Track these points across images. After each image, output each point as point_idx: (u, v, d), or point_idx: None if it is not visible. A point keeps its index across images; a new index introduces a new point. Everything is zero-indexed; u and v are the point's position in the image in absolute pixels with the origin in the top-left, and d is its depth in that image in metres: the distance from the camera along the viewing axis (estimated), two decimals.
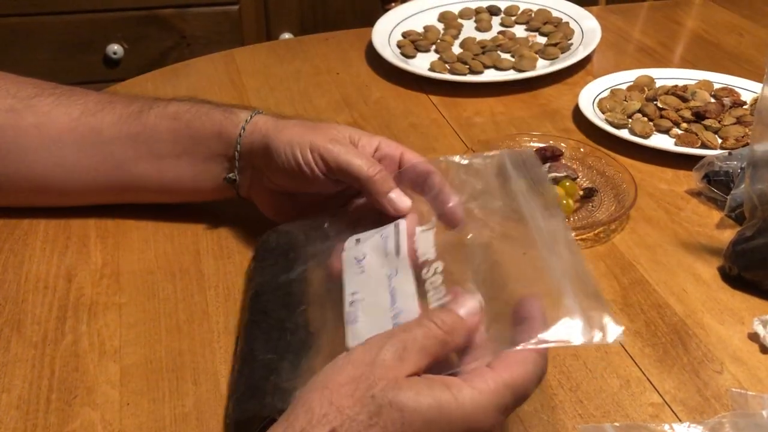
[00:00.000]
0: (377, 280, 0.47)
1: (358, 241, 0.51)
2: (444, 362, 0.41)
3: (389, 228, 0.50)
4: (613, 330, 0.40)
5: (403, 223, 0.50)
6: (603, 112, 0.79)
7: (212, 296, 0.56)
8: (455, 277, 0.45)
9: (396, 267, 0.47)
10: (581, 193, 0.67)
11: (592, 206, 0.67)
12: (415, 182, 0.53)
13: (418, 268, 0.47)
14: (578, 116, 0.80)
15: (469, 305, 0.42)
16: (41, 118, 0.60)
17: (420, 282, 0.46)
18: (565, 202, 0.64)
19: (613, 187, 0.68)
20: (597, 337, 0.39)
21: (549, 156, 0.70)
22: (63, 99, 0.61)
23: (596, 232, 0.64)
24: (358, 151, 0.54)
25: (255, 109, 0.60)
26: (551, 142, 0.73)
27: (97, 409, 0.48)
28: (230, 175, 0.59)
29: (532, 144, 0.73)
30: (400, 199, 0.52)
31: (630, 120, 0.78)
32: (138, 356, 0.52)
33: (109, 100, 0.61)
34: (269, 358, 0.47)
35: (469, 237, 0.49)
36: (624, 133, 0.75)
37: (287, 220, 0.58)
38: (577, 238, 0.63)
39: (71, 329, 0.54)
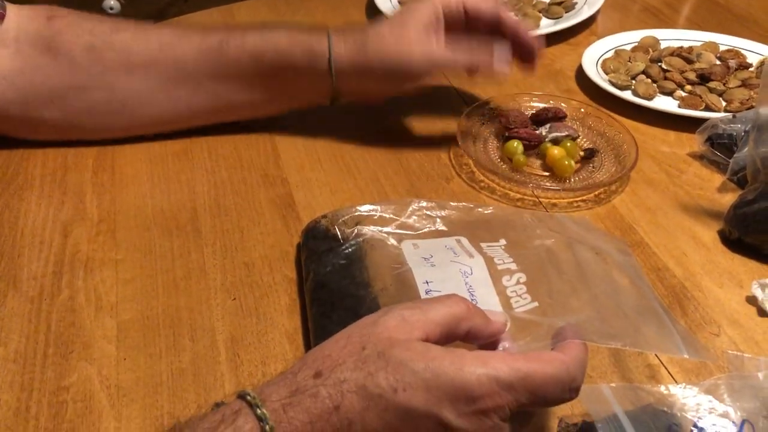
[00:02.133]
0: (451, 275, 0.47)
1: (415, 245, 0.51)
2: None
3: (450, 240, 0.51)
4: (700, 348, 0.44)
5: (465, 240, 0.51)
6: (606, 73, 0.78)
7: (209, 253, 0.56)
8: (536, 290, 0.46)
9: (470, 266, 0.48)
10: (582, 153, 0.67)
11: (593, 167, 0.66)
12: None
13: (496, 274, 0.47)
14: (581, 77, 0.79)
15: (498, 316, 0.41)
16: (122, 55, 0.62)
17: (499, 289, 0.46)
18: (566, 162, 0.64)
19: (614, 148, 0.68)
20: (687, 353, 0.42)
21: (551, 116, 0.69)
22: (139, 34, 0.63)
23: (596, 193, 0.64)
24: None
25: (327, 34, 0.63)
26: (552, 102, 0.72)
27: (94, 364, 0.48)
28: (333, 101, 0.64)
29: (533, 104, 0.72)
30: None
31: (634, 81, 0.77)
32: (134, 312, 0.52)
33: (183, 33, 0.64)
34: None
35: (538, 250, 0.50)
36: (627, 95, 0.74)
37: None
38: (577, 199, 0.63)
39: (68, 284, 0.53)
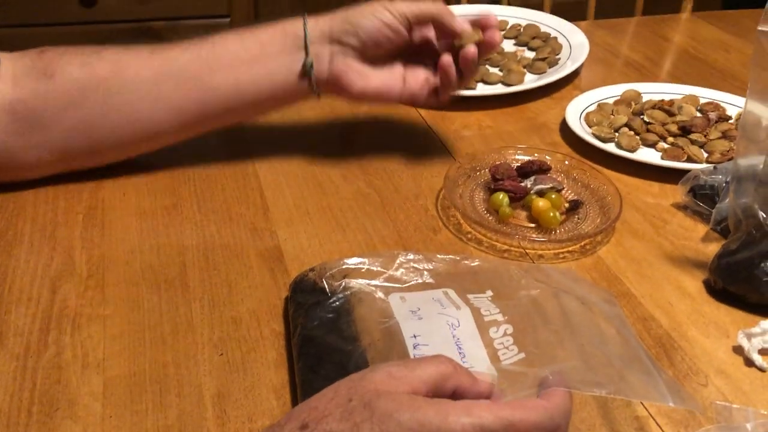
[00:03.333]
0: (438, 328, 0.48)
1: (403, 298, 0.51)
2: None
3: (437, 292, 0.52)
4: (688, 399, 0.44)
5: (452, 291, 0.51)
6: (590, 126, 0.79)
7: (197, 308, 0.56)
8: (523, 341, 0.46)
9: (457, 318, 0.49)
10: (567, 205, 0.67)
11: (578, 218, 0.67)
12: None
13: (483, 325, 0.48)
14: (565, 130, 0.80)
15: (483, 376, 0.41)
16: (114, 65, 0.66)
17: (487, 341, 0.47)
18: (552, 214, 0.65)
19: (599, 199, 0.69)
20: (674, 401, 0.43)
21: (536, 169, 0.70)
22: (128, 48, 0.67)
23: (582, 244, 0.64)
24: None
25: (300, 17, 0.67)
26: (537, 154, 0.74)
27: (79, 422, 0.47)
28: (308, 59, 0.66)
29: (518, 156, 0.74)
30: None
31: (617, 134, 0.78)
32: (121, 368, 0.51)
33: (169, 45, 0.67)
34: None
35: (524, 300, 0.51)
36: (611, 147, 0.76)
37: (368, 94, 0.69)
38: (563, 250, 0.64)
39: (54, 341, 0.53)
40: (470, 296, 0.51)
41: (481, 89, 0.88)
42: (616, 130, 0.79)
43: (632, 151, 0.76)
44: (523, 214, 0.67)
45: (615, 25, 1.11)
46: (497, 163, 0.71)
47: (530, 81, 0.90)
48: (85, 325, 0.55)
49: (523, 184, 0.68)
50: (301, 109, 0.85)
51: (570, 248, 0.64)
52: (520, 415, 0.36)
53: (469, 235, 0.65)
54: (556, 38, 0.99)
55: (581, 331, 0.48)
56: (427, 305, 0.50)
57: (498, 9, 1.06)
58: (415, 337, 0.47)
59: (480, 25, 0.67)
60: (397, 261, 0.55)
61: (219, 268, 0.60)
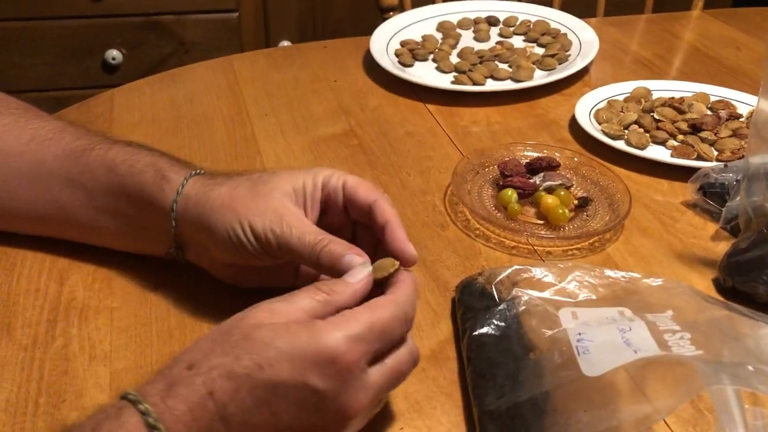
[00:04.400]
0: (607, 331, 0.47)
1: (574, 314, 0.51)
2: None
3: (611, 311, 0.51)
4: None
5: (628, 311, 0.50)
6: (599, 123, 0.79)
7: (204, 301, 0.56)
8: (704, 343, 0.45)
9: (629, 326, 0.48)
10: (576, 202, 0.67)
11: (587, 216, 0.66)
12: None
13: (657, 333, 0.47)
14: (575, 127, 0.80)
15: (357, 271, 0.45)
16: None
17: (662, 344, 0.45)
18: (560, 210, 0.64)
19: (608, 197, 0.68)
20: None
21: (545, 166, 0.70)
22: (20, 122, 0.59)
23: (591, 241, 0.64)
24: (300, 221, 0.49)
25: (189, 172, 0.53)
26: (545, 151, 0.73)
27: (86, 414, 0.47)
28: (171, 250, 0.55)
29: (527, 153, 0.73)
30: (352, 260, 0.46)
31: (626, 131, 0.78)
32: (128, 361, 0.51)
33: (62, 128, 0.59)
34: (504, 410, 0.45)
35: (712, 321, 0.49)
36: (620, 144, 0.75)
37: (249, 285, 0.54)
38: (572, 247, 0.63)
39: (62, 332, 0.53)
40: (648, 315, 0.49)
41: (490, 85, 0.88)
42: (626, 128, 0.78)
43: (642, 148, 0.75)
44: (532, 210, 0.67)
45: (625, 22, 1.10)
46: (506, 159, 0.71)
47: (539, 77, 0.89)
48: (93, 317, 0.55)
49: (532, 181, 0.68)
50: (309, 103, 0.85)
51: (579, 245, 0.64)
52: (378, 314, 0.41)
53: (477, 232, 0.65)
54: (565, 35, 0.98)
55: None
56: (599, 321, 0.49)
57: (508, 5, 1.06)
58: (579, 335, 0.47)
59: (400, 254, 0.48)
60: (572, 274, 0.54)
61: None
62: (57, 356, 0.51)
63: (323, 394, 0.39)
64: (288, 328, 0.39)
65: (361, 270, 0.45)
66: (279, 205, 0.50)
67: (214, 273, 0.56)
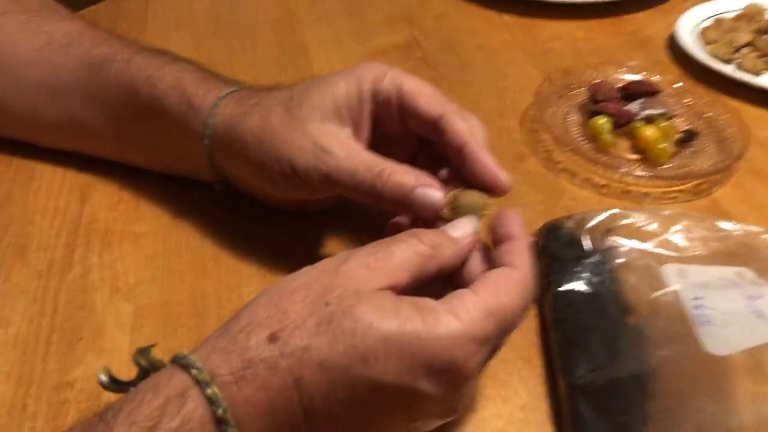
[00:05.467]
0: (731, 298, 0.40)
1: (682, 272, 0.43)
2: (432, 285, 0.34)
3: (727, 269, 0.43)
4: None
5: (749, 272, 0.42)
6: (705, 45, 0.68)
7: (245, 232, 0.49)
8: None
9: (759, 292, 0.40)
10: (678, 135, 0.57)
11: (691, 152, 0.56)
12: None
13: None
14: (674, 48, 0.69)
15: (463, 225, 0.36)
16: (4, 43, 0.51)
17: None
18: (662, 145, 0.54)
19: (716, 131, 0.58)
20: None
21: (644, 91, 0.59)
22: (33, 23, 0.51)
23: (695, 183, 0.54)
24: (350, 150, 0.40)
25: (217, 94, 0.44)
26: (643, 74, 0.63)
27: (103, 355, 0.41)
28: (216, 184, 0.47)
29: (620, 76, 0.63)
30: (426, 195, 0.38)
31: (737, 54, 0.66)
32: (154, 296, 0.44)
33: (80, 32, 0.51)
34: (599, 387, 0.37)
35: None
36: (730, 70, 0.64)
37: (318, 209, 0.48)
38: (673, 189, 0.54)
39: (80, 259, 0.46)
40: None
41: None
42: (737, 50, 0.67)
43: (757, 74, 0.64)
44: (626, 143, 0.57)
45: None
46: (597, 81, 0.61)
47: None
48: (117, 243, 0.48)
49: (628, 108, 0.58)
50: (365, 10, 0.75)
51: (681, 187, 0.54)
52: (504, 300, 0.32)
53: (561, 166, 0.55)
54: None
55: None
56: (714, 282, 0.41)
57: None
58: (696, 299, 0.39)
59: (489, 185, 0.39)
60: (678, 225, 0.46)
61: None
62: (74, 287, 0.45)
63: (429, 398, 0.31)
64: (398, 312, 0.30)
65: (465, 223, 0.36)
66: (320, 135, 0.40)
67: (269, 203, 0.48)
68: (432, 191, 0.38)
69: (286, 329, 0.30)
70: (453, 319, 0.31)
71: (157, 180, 0.52)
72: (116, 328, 0.42)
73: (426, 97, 0.40)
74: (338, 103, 0.41)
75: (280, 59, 0.67)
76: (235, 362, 0.30)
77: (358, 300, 0.30)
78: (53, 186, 0.52)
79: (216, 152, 0.44)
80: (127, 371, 0.40)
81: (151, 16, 0.73)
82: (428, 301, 0.32)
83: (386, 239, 0.34)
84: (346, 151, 0.40)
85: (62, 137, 0.53)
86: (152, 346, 0.33)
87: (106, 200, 0.51)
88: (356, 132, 0.42)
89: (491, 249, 0.36)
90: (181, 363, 0.30)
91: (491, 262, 0.35)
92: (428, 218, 0.38)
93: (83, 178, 0.53)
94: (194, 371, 0.29)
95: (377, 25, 0.73)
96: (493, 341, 0.32)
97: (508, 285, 0.33)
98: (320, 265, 0.33)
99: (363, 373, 0.30)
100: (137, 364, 0.32)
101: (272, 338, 0.30)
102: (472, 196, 0.37)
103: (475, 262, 0.36)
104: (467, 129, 0.39)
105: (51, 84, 0.50)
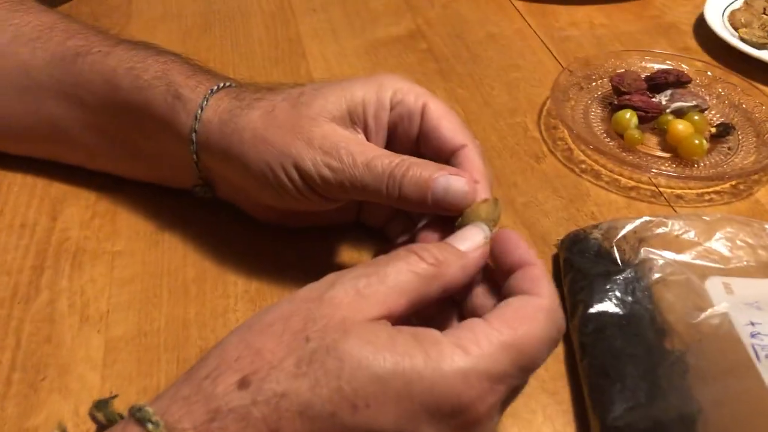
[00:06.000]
0: None
1: (728, 286, 0.37)
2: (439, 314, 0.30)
3: None
4: None
5: None
6: (736, 28, 0.62)
7: (234, 246, 0.44)
8: None
9: None
10: (713, 129, 0.52)
11: (728, 148, 0.51)
12: None
13: None
14: (702, 32, 0.64)
15: (471, 235, 0.31)
16: None
17: None
18: (697, 141, 0.49)
19: (754, 124, 0.53)
20: None
21: (672, 81, 0.54)
22: (0, 14, 0.46)
23: (734, 183, 0.49)
24: (363, 145, 0.36)
25: (210, 87, 0.40)
26: (670, 62, 0.57)
27: (70, 398, 0.36)
28: (197, 187, 0.43)
29: (645, 64, 0.57)
30: (450, 183, 0.33)
31: None
32: (130, 325, 0.39)
33: (52, 24, 0.46)
34: (642, 429, 0.32)
35: None
36: (765, 55, 0.59)
37: (299, 225, 0.43)
38: (709, 190, 0.48)
39: (48, 284, 0.42)
40: None
41: None
42: None
43: None
44: (655, 139, 0.52)
45: None
46: (620, 71, 0.55)
47: None
48: (89, 263, 0.43)
49: (656, 100, 0.52)
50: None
51: (717, 188, 0.48)
52: (525, 333, 0.27)
53: (584, 166, 0.50)
54: None
55: None
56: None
57: None
58: (753, 324, 0.34)
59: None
60: (724, 230, 0.40)
61: None
62: (39, 316, 0.40)
63: None
64: (394, 346, 0.26)
65: (474, 232, 0.31)
66: (330, 132, 0.36)
67: (254, 214, 0.43)
68: (456, 179, 0.33)
69: (259, 372, 0.26)
70: (460, 352, 0.26)
71: (136, 191, 0.47)
72: (85, 365, 0.37)
73: (451, 123, 0.36)
74: (352, 108, 0.37)
75: (274, 54, 0.62)
76: (200, 414, 0.25)
77: (344, 333, 0.26)
78: (21, 199, 0.47)
79: (204, 151, 0.40)
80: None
81: (135, 8, 0.68)
82: (431, 332, 0.27)
83: (381, 257, 0.29)
84: (359, 145, 0.35)
85: (32, 143, 0.48)
86: (113, 397, 0.28)
87: (79, 215, 0.46)
88: (369, 140, 0.37)
89: (500, 276, 0.31)
90: (136, 417, 0.25)
91: (505, 290, 0.30)
92: (454, 213, 0.33)
93: (55, 190, 0.48)
94: (150, 426, 0.25)
95: (379, 15, 0.67)
96: (509, 380, 0.27)
97: (528, 314, 0.28)
98: (302, 293, 0.28)
99: (352, 421, 0.25)
100: (94, 419, 0.28)
101: (243, 383, 0.25)
102: (483, 203, 0.33)
103: (485, 281, 0.31)
104: (484, 171, 0.35)
105: (19, 82, 0.45)
